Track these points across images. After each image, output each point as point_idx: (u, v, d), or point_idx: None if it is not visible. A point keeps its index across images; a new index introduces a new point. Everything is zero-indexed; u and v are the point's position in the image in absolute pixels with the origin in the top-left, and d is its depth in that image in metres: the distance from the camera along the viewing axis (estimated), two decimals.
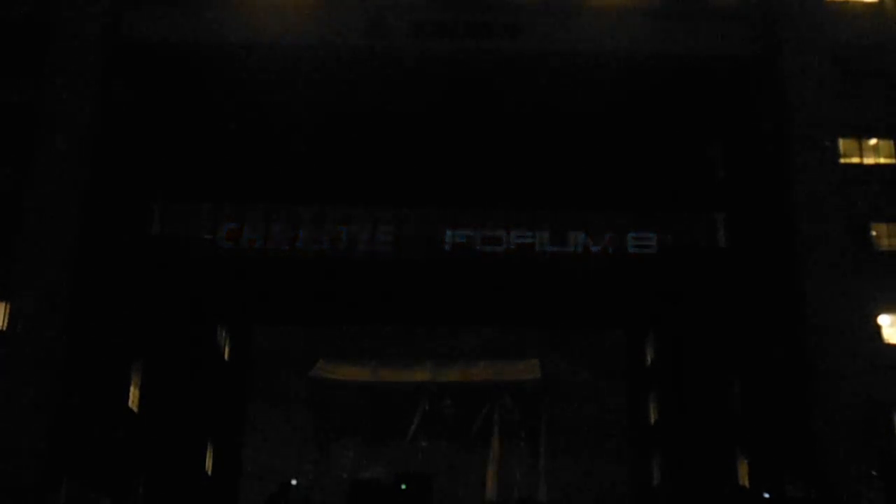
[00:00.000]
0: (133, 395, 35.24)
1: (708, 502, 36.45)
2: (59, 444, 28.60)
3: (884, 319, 31.06)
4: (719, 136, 37.45)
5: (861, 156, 33.20)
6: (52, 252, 30.01)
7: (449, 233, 34.66)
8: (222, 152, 37.14)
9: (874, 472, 28.09)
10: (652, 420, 45.12)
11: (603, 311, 44.14)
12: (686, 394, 40.02)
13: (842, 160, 32.56)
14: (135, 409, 35.31)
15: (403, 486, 32.45)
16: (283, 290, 40.67)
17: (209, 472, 43.13)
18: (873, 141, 33.37)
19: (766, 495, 29.58)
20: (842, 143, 32.77)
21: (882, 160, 33.23)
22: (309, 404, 50.92)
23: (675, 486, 40.98)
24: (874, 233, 32.32)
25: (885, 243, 32.33)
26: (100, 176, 31.35)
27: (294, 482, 43.53)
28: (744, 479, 34.84)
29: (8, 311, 29.96)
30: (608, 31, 33.16)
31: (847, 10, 33.99)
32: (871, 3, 34.23)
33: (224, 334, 45.69)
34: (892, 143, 33.28)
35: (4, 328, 29.85)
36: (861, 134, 33.22)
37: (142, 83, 33.63)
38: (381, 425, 50.79)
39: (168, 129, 35.34)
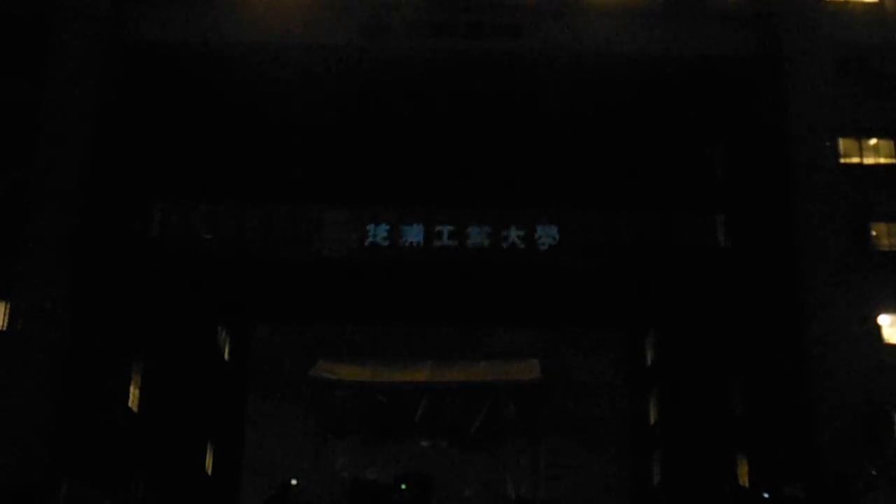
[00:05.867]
0: (133, 395, 35.24)
1: (708, 502, 36.43)
2: (59, 444, 28.59)
3: (884, 319, 31.07)
4: (720, 136, 37.43)
5: (861, 156, 33.19)
6: (53, 252, 30.01)
7: (448, 231, 34.67)
8: (222, 152, 37.13)
9: (874, 472, 28.09)
10: (652, 420, 45.11)
11: (603, 311, 44.11)
12: (686, 394, 40.03)
13: (842, 160, 32.58)
14: (135, 409, 35.31)
15: (403, 486, 32.32)
16: (283, 290, 40.65)
17: (209, 472, 43.14)
18: (873, 141, 33.37)
19: (766, 495, 29.57)
20: (842, 143, 32.78)
21: (882, 160, 33.23)
22: (309, 404, 50.80)
23: (675, 486, 40.99)
24: (874, 233, 32.32)
25: (885, 243, 32.32)
26: (100, 176, 31.35)
27: (294, 482, 43.42)
28: (744, 479, 34.85)
29: (8, 310, 29.97)
30: (608, 31, 33.18)
31: (847, 10, 33.98)
32: (871, 4, 34.23)
33: (224, 334, 45.69)
34: (892, 143, 33.28)
35: (4, 328, 29.86)
36: (861, 134, 33.22)
37: (142, 83, 33.61)
38: (381, 425, 50.68)
39: (168, 129, 35.32)
